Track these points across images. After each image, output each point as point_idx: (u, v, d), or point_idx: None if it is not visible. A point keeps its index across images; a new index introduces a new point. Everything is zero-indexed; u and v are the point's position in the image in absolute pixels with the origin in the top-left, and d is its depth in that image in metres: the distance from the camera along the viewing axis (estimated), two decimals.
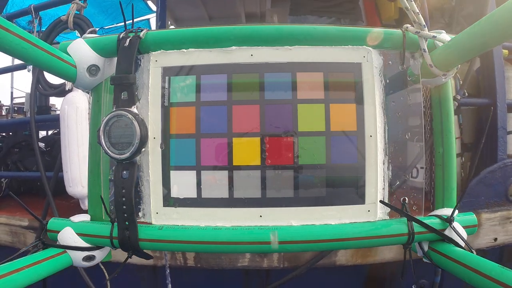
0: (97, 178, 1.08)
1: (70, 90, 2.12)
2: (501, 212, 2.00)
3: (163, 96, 1.05)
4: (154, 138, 1.04)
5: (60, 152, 2.05)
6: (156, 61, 1.05)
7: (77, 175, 1.96)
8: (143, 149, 1.02)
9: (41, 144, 3.16)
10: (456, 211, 1.02)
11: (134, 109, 1.01)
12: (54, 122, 2.46)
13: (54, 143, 3.04)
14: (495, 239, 1.97)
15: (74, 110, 1.96)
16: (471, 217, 1.07)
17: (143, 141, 1.00)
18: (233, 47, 1.04)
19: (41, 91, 2.49)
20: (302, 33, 1.03)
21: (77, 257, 1.02)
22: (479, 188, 2.00)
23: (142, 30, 1.03)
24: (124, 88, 1.00)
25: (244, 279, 2.01)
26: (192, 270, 1.91)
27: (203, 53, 1.04)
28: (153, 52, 1.05)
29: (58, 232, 1.02)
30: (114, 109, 1.00)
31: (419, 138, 1.07)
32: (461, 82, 2.02)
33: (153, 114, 1.04)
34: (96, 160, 1.07)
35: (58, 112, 2.15)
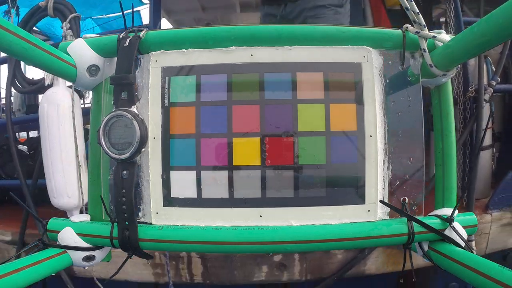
0: (97, 178, 1.08)
1: (50, 86, 1.83)
2: None
3: (163, 96, 1.05)
4: (154, 138, 1.04)
5: (40, 157, 1.78)
6: (156, 61, 1.05)
7: (61, 184, 1.70)
8: (143, 149, 1.02)
9: (23, 147, 2.84)
10: (456, 211, 1.02)
11: (134, 109, 1.01)
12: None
13: (38, 145, 2.60)
14: None
15: (55, 109, 1.70)
16: (471, 217, 1.07)
17: (143, 141, 1.00)
18: (233, 47, 1.04)
19: (18, 89, 2.18)
20: (302, 33, 1.03)
21: (77, 257, 1.02)
22: None
23: (142, 30, 1.03)
24: (124, 88, 1.00)
25: None
26: (200, 287, 1.72)
27: (203, 53, 1.04)
28: (153, 52, 1.05)
29: (58, 232, 1.02)
30: (114, 109, 1.00)
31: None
32: (494, 68, 1.87)
33: (153, 114, 1.04)
34: (96, 160, 1.07)
35: None
